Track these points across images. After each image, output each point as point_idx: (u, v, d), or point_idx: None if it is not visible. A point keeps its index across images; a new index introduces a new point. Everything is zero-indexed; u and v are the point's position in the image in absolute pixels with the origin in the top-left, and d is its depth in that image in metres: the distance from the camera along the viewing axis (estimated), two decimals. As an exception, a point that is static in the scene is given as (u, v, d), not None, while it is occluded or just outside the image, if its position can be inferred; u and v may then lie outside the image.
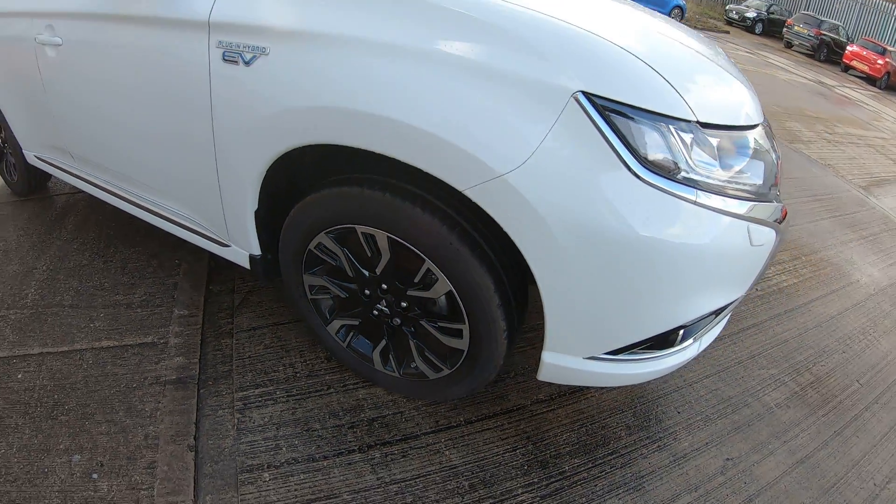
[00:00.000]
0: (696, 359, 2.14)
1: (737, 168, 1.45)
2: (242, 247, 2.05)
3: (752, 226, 1.47)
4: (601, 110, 1.29)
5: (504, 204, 1.37)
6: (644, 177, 1.31)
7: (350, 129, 1.50)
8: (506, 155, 1.32)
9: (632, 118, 1.30)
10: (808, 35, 20.10)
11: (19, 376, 2.15)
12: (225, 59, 1.67)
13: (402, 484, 1.76)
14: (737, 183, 1.44)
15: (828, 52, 19.76)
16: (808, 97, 10.61)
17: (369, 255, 1.75)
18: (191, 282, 2.67)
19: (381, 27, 1.43)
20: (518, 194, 1.32)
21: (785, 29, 21.26)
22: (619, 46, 1.35)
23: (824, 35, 19.89)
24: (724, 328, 2.65)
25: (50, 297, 2.61)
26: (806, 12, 22.35)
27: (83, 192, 3.12)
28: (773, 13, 23.27)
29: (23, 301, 2.59)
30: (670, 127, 1.32)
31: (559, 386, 2.18)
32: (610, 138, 1.29)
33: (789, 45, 20.95)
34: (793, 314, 3.07)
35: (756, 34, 22.60)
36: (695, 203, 1.34)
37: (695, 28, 18.00)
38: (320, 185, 1.75)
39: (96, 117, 2.36)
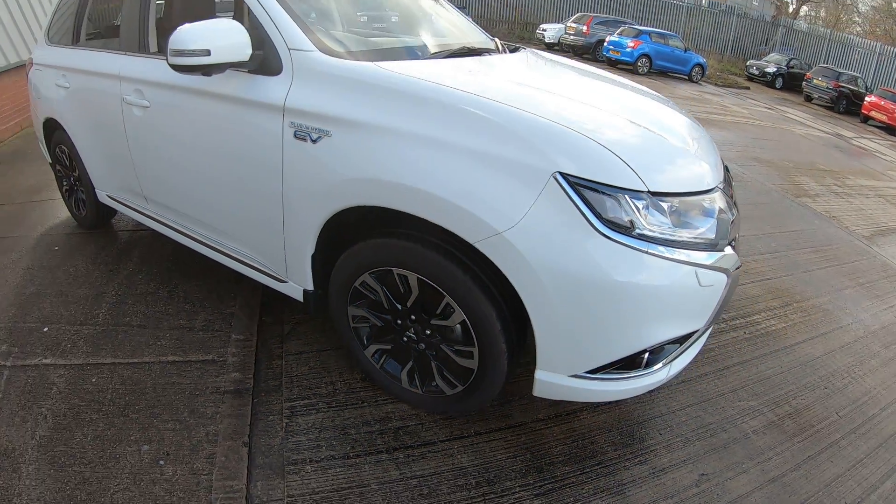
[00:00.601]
0: (669, 384, 2.55)
1: (689, 225, 1.86)
2: (298, 283, 2.50)
3: (701, 270, 1.84)
4: (573, 185, 1.74)
5: (503, 254, 1.81)
6: (606, 234, 1.73)
7: (389, 195, 1.99)
8: (504, 217, 1.77)
9: (596, 190, 1.74)
10: (827, 88, 20.32)
11: (93, 380, 2.58)
12: (296, 137, 2.19)
13: (421, 479, 2.13)
14: (687, 236, 1.84)
15: (847, 104, 19.92)
16: (823, 150, 10.82)
17: (402, 291, 2.19)
18: (245, 312, 3.10)
19: (411, 122, 1.94)
20: (513, 247, 1.77)
21: (804, 83, 21.46)
22: (588, 137, 1.79)
23: (843, 87, 20.09)
24: (710, 366, 3.00)
25: (119, 317, 3.06)
26: (825, 65, 22.68)
27: (146, 229, 3.64)
28: (792, 67, 23.54)
29: (94, 319, 3.05)
30: (626, 196, 1.75)
31: (556, 408, 2.53)
32: (580, 206, 1.73)
33: (809, 99, 21.13)
34: (778, 354, 3.26)
35: (777, 89, 22.94)
36: (646, 252, 1.75)
37: (715, 84, 18.39)
38: (366, 235, 2.21)
39: (176, 169, 2.86)
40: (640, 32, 19.18)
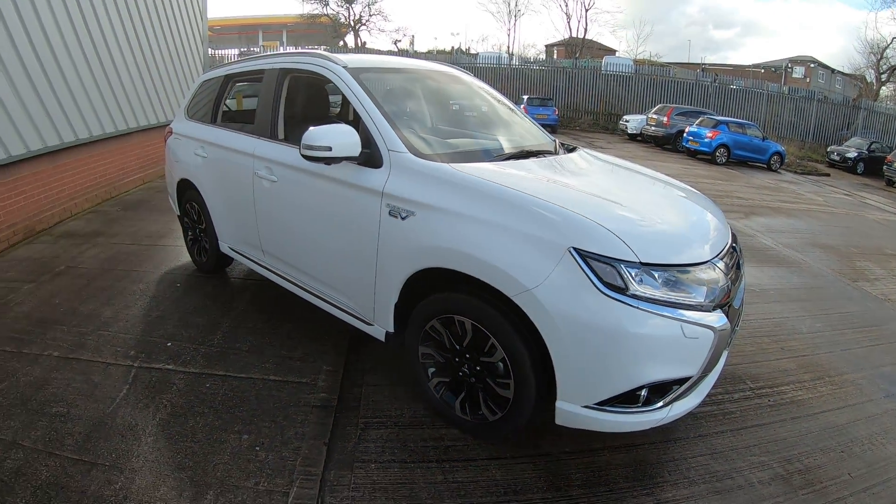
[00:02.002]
0: (685, 436, 3.05)
1: (679, 289, 2.39)
2: (382, 325, 3.16)
3: (685, 325, 2.34)
4: (583, 257, 2.32)
5: (531, 305, 2.40)
6: (606, 293, 2.29)
7: (453, 259, 2.65)
8: (532, 278, 2.38)
9: (600, 261, 2.32)
10: None
11: (207, 385, 3.32)
12: (390, 214, 2.90)
13: (460, 483, 2.67)
14: (675, 298, 2.36)
15: (931, 188, 18.90)
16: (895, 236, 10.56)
17: (460, 334, 2.80)
18: (336, 350, 3.80)
19: (472, 208, 2.63)
20: (538, 300, 2.37)
21: (885, 166, 20.70)
22: (596, 223, 2.38)
23: None
24: (728, 426, 3.25)
25: (231, 343, 3.81)
26: None
27: (255, 277, 4.61)
28: (874, 151, 22.68)
29: (210, 342, 3.81)
30: (622, 266, 2.31)
31: (580, 444, 2.99)
32: (587, 272, 2.31)
33: (891, 183, 20.14)
34: (799, 420, 3.38)
35: (858, 174, 22.14)
36: (637, 308, 2.29)
37: (794, 172, 18.05)
38: (436, 290, 2.87)
39: (293, 230, 3.64)
40: (718, 122, 19.34)
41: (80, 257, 5.43)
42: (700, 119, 20.12)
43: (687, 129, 19.90)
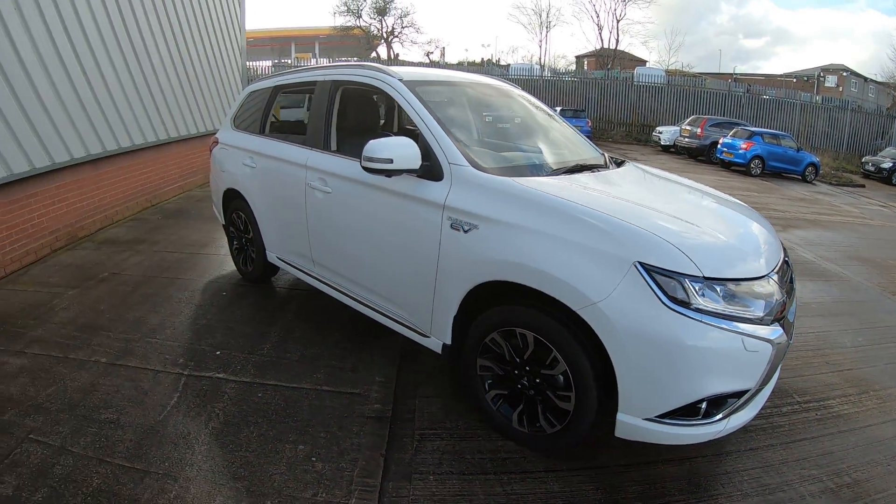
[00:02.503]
0: (736, 449, 3.03)
1: (739, 303, 2.40)
2: (439, 338, 3.15)
3: (746, 338, 2.35)
4: (648, 271, 2.34)
5: (596, 319, 2.41)
6: (670, 307, 2.31)
7: (518, 273, 2.65)
8: (598, 292, 2.39)
9: (664, 275, 2.33)
10: None
11: (259, 395, 3.30)
12: (452, 227, 2.92)
13: (519, 495, 2.62)
14: (736, 312, 2.38)
15: (969, 197, 18.54)
16: (933, 247, 10.40)
17: (521, 347, 2.78)
18: (387, 361, 3.78)
19: (537, 222, 2.63)
20: (604, 314, 2.38)
21: None
22: (660, 237, 2.40)
23: None
24: (778, 439, 3.22)
25: (281, 353, 3.81)
26: None
27: (301, 287, 4.63)
28: None
29: (259, 351, 3.81)
30: (686, 280, 2.32)
31: (636, 457, 2.94)
32: (652, 286, 2.32)
33: None
34: (846, 434, 3.36)
35: (894, 184, 21.68)
36: (700, 322, 2.30)
37: (829, 184, 17.75)
38: (496, 303, 2.87)
39: (348, 241, 3.65)
40: (753, 134, 19.16)
41: (123, 264, 5.49)
42: (734, 130, 19.95)
43: (721, 141, 19.75)
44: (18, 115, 5.26)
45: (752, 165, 18.63)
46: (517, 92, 4.35)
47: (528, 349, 2.76)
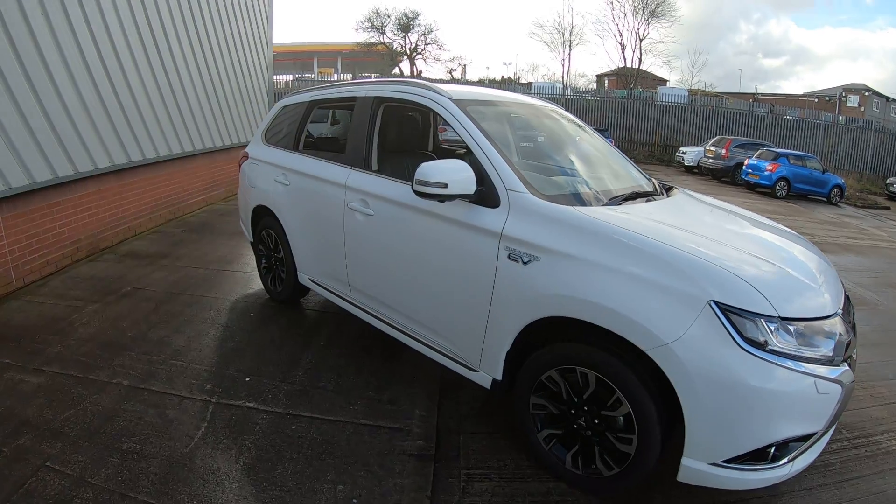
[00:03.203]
0: (791, 489, 2.85)
1: (811, 344, 2.29)
2: (488, 372, 2.94)
3: (819, 381, 2.24)
4: (723, 311, 2.21)
5: (667, 360, 2.26)
6: (746, 349, 2.18)
7: (583, 309, 2.48)
8: (670, 332, 2.24)
9: (740, 315, 2.20)
10: None
11: (293, 427, 3.09)
12: (509, 258, 2.72)
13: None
14: (809, 353, 2.27)
15: None
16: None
17: (580, 385, 2.59)
18: (427, 393, 3.55)
19: (604, 256, 2.47)
20: (676, 355, 2.23)
21: None
22: (735, 274, 2.27)
23: None
24: (830, 478, 3.07)
25: (315, 381, 3.59)
26: None
27: (333, 309, 4.38)
28: None
29: (292, 379, 3.60)
30: (762, 320, 2.21)
31: (691, 498, 2.73)
32: (727, 327, 2.19)
33: None
34: None
35: None
36: (776, 364, 2.19)
37: (854, 206, 17.54)
38: (555, 337, 2.68)
39: (390, 267, 3.48)
40: (778, 155, 18.89)
41: (146, 279, 5.33)
42: (759, 151, 19.67)
43: (746, 162, 19.47)
44: (42, 123, 5.17)
45: (777, 187, 18.36)
46: (561, 112, 4.17)
47: (588, 389, 2.57)
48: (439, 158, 3.98)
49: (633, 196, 3.23)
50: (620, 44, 39.11)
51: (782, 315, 2.23)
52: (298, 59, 45.23)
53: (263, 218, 4.78)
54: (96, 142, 6.02)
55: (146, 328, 4.21)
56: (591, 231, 2.57)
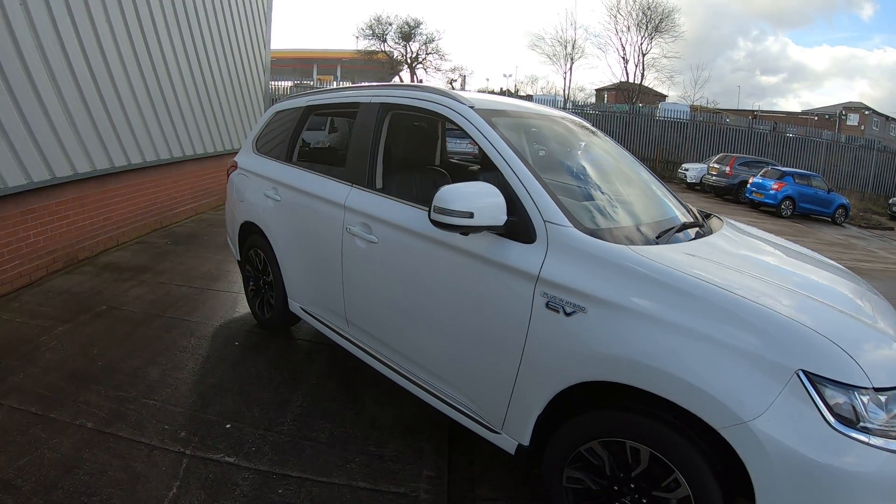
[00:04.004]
0: None
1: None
2: (513, 436, 2.47)
3: None
4: (813, 382, 1.81)
5: (743, 440, 1.84)
6: (836, 427, 1.78)
7: (640, 375, 2.03)
8: (749, 408, 1.83)
9: (832, 388, 1.81)
10: None
11: (280, 491, 2.62)
12: (548, 307, 2.25)
13: None
14: None
15: None
16: None
17: (629, 461, 2.13)
18: (434, 447, 3.09)
19: (669, 311, 2.02)
20: (755, 436, 1.81)
21: None
22: (827, 338, 1.87)
23: None
24: None
25: (306, 430, 3.11)
26: None
27: (326, 340, 3.73)
28: None
29: (279, 427, 3.12)
30: (855, 393, 1.81)
31: None
32: (817, 402, 1.80)
33: None
34: None
35: None
36: (868, 444, 1.79)
37: (858, 226, 17.49)
38: (605, 406, 2.22)
39: (396, 305, 3.00)
40: (784, 174, 18.75)
41: (123, 296, 4.87)
42: (764, 170, 19.53)
43: (751, 180, 19.33)
44: (17, 122, 4.71)
45: (782, 206, 18.20)
46: (589, 127, 3.72)
47: (638, 466, 2.12)
48: (448, 175, 3.54)
49: (682, 228, 2.79)
50: (623, 58, 38.78)
51: (875, 385, 1.84)
52: (298, 65, 44.84)
53: (252, 235, 4.32)
54: (76, 145, 5.56)
55: (119, 356, 3.76)
56: (654, 278, 2.12)
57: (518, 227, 2.39)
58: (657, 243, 2.47)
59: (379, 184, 3.19)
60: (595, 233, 2.32)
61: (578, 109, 30.11)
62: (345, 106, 3.81)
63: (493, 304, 2.46)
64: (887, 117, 45.73)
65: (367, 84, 4.11)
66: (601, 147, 3.53)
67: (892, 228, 20.35)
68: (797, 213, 18.56)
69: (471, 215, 2.28)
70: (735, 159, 21.30)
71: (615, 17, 41.87)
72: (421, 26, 41.77)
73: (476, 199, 2.31)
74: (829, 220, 19.33)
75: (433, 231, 2.57)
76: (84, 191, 5.85)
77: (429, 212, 2.38)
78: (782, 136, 27.85)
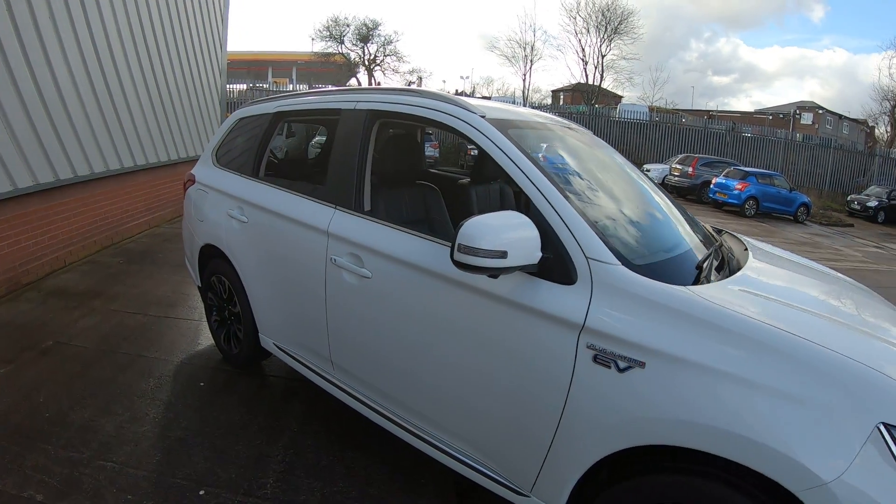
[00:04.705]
0: None
1: None
2: (545, 501, 2.10)
3: None
4: (893, 435, 1.56)
5: (823, 502, 1.57)
6: None
7: (706, 438, 1.72)
8: (829, 467, 1.56)
9: None
10: None
11: None
12: (596, 361, 1.88)
13: None
14: None
15: (957, 233, 19.11)
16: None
17: None
18: (440, 501, 2.70)
19: (730, 361, 1.72)
20: (834, 497, 1.55)
21: None
22: None
23: None
24: None
25: (292, 493, 2.67)
26: None
27: (305, 379, 3.25)
28: (894, 199, 22.93)
29: (262, 491, 2.68)
30: None
31: None
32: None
33: None
34: None
35: (879, 223, 22.30)
36: None
37: (820, 224, 17.94)
38: (659, 469, 1.86)
39: (395, 353, 2.57)
40: (747, 174, 19.05)
41: (72, 328, 4.34)
42: (727, 170, 19.86)
43: (714, 181, 19.60)
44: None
45: (746, 206, 18.48)
46: (593, 136, 3.35)
47: None
48: (438, 191, 3.15)
49: (717, 257, 2.47)
50: (582, 59, 38.83)
51: None
52: (252, 67, 43.62)
53: (214, 260, 3.82)
54: (16, 156, 5.00)
55: (69, 404, 3.27)
56: (727, 329, 1.77)
57: (553, 264, 2.01)
58: (706, 279, 2.13)
59: (367, 206, 2.77)
60: (645, 270, 1.96)
61: (539, 110, 30.14)
62: (322, 112, 3.36)
63: (524, 356, 2.07)
64: (840, 116, 46.78)
65: (349, 87, 3.65)
66: (614, 161, 3.13)
67: (852, 225, 20.77)
68: (760, 212, 18.85)
69: (504, 255, 1.89)
70: (697, 160, 21.57)
71: (574, 18, 41.87)
72: (379, 28, 41.50)
73: (507, 233, 1.92)
74: (792, 218, 19.65)
75: (444, 267, 2.19)
76: (26, 207, 5.30)
77: (451, 250, 1.96)
78: (740, 136, 28.32)
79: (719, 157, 24.19)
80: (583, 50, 38.91)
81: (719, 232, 3.09)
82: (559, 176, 2.28)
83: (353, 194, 2.78)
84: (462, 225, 1.92)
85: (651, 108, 34.46)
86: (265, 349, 3.49)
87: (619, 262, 1.94)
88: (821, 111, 46.43)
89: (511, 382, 2.11)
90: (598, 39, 37.73)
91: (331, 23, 41.04)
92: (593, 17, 37.38)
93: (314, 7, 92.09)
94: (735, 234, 3.22)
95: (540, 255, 1.97)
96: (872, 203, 22.87)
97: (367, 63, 41.95)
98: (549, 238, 2.01)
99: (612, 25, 37.03)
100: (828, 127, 44.63)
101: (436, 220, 3.08)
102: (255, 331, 3.50)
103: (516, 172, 2.19)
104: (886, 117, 35.84)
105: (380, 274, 2.55)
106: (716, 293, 1.95)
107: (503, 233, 1.91)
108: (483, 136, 2.34)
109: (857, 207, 23.27)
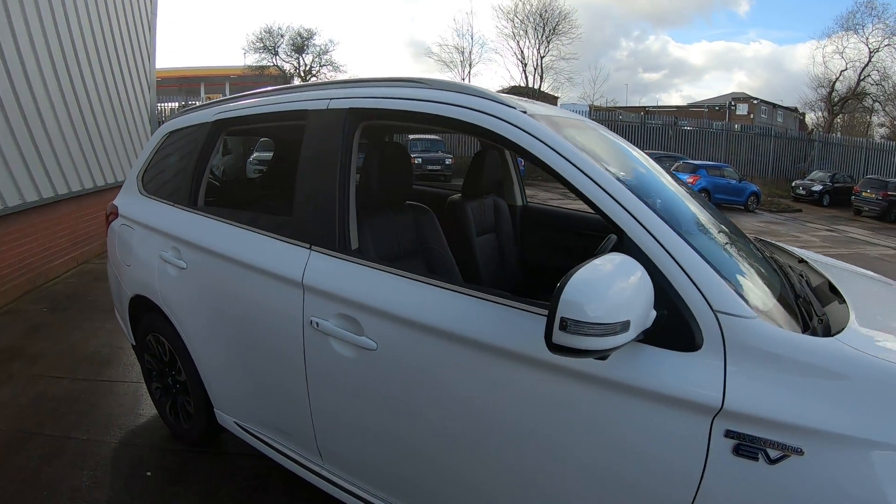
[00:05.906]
0: None
1: None
2: None
3: None
4: None
5: None
6: None
7: None
8: None
9: None
10: (877, 199, 20.27)
11: None
12: (738, 453, 1.35)
13: None
14: None
15: (899, 213, 19.81)
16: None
17: None
18: None
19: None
20: None
21: (853, 196, 21.45)
22: None
23: (892, 195, 19.96)
24: None
25: None
26: (871, 176, 22.63)
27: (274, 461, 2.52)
28: (837, 182, 23.63)
29: None
30: None
31: None
32: None
33: (859, 212, 21.02)
34: None
35: (824, 206, 22.95)
36: None
37: (770, 211, 18.45)
38: None
39: (426, 450, 1.91)
40: (697, 167, 19.39)
41: (-18, 404, 3.50)
42: (677, 164, 20.16)
43: (664, 175, 19.78)
44: None
45: (698, 199, 18.63)
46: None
47: None
48: (425, 211, 2.52)
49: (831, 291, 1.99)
50: (521, 61, 38.61)
51: None
52: (184, 84, 41.68)
53: (148, 314, 3.05)
54: None
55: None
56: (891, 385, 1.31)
57: (670, 325, 1.43)
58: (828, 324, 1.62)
59: (354, 243, 2.08)
60: (778, 320, 1.47)
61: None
62: (280, 117, 2.55)
63: (629, 453, 1.50)
64: (774, 105, 47.94)
65: (317, 81, 2.91)
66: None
67: (800, 210, 21.47)
68: (712, 203, 18.67)
69: (626, 327, 1.30)
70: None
71: (512, 20, 41.78)
72: (314, 37, 40.82)
73: (624, 294, 1.32)
74: (743, 208, 20.02)
75: (491, 336, 1.59)
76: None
77: (549, 332, 1.31)
78: (681, 130, 28.92)
79: (664, 151, 24.70)
80: (521, 52, 38.78)
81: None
82: (648, 195, 1.67)
83: (334, 228, 2.07)
84: (565, 287, 1.29)
85: (591, 107, 34.68)
86: (223, 426, 2.75)
87: (756, 315, 1.41)
88: (755, 101, 47.59)
89: (607, 488, 1.55)
90: (537, 41, 37.62)
91: (264, 33, 40.08)
92: (531, 19, 37.24)
93: (246, 19, 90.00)
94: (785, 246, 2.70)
95: (654, 314, 1.39)
96: (817, 188, 23.55)
97: (302, 74, 40.98)
98: (659, 288, 1.42)
99: (549, 26, 36.95)
100: (763, 116, 45.78)
101: (434, 250, 2.46)
102: (209, 406, 2.76)
103: (601, 197, 1.57)
104: (822, 104, 36.83)
105: (391, 345, 1.86)
106: (862, 342, 1.43)
107: (621, 293, 1.31)
108: (537, 140, 1.70)
109: (803, 193, 23.86)
